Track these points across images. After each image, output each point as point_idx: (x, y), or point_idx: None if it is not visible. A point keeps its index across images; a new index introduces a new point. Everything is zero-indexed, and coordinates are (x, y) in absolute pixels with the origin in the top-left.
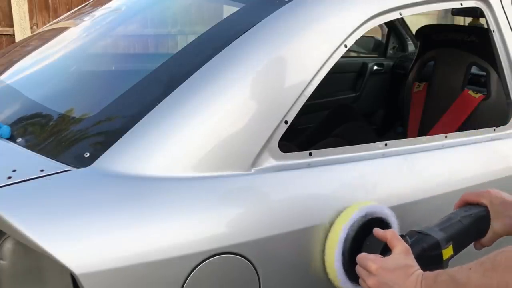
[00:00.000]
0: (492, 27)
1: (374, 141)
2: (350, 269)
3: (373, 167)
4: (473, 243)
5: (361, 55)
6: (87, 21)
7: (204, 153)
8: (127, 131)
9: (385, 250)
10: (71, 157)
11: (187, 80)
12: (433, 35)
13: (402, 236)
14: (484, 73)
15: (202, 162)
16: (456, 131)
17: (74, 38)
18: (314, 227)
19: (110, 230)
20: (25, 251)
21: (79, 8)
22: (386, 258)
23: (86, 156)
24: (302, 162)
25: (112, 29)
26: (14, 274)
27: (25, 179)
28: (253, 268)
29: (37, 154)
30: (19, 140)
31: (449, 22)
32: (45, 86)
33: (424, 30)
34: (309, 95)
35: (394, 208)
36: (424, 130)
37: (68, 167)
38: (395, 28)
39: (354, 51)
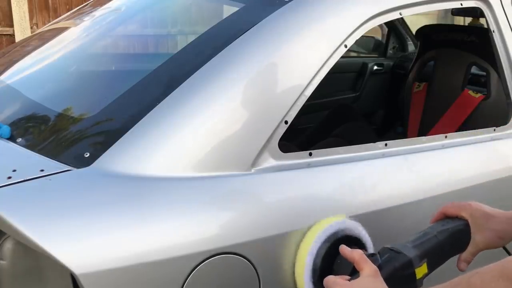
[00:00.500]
0: (492, 27)
1: (374, 141)
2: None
3: (373, 167)
4: (457, 261)
5: (361, 55)
6: (87, 21)
7: (204, 153)
8: (127, 131)
9: (353, 271)
10: (71, 157)
11: (187, 80)
12: (433, 35)
13: (372, 254)
14: (484, 73)
15: (202, 162)
16: (456, 131)
17: (74, 38)
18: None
19: (110, 230)
20: (25, 251)
21: (79, 8)
22: (355, 281)
23: (86, 156)
24: (302, 162)
25: (112, 29)
26: (14, 274)
27: (25, 179)
28: (253, 268)
29: (37, 154)
30: (19, 140)
31: (449, 22)
32: (45, 86)
33: (424, 30)
34: (309, 95)
35: (394, 208)
36: (424, 130)
37: (68, 167)
38: (395, 28)
39: (354, 51)
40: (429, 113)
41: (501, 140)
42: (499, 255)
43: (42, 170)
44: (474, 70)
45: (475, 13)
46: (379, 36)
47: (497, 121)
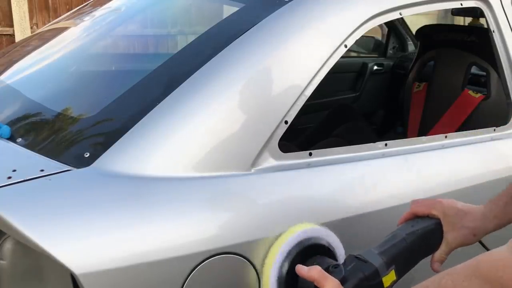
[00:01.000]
0: (492, 27)
1: (374, 141)
2: None
3: (373, 167)
4: (430, 262)
5: (361, 55)
6: (87, 21)
7: (204, 153)
8: (127, 131)
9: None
10: (71, 157)
11: (187, 80)
12: (433, 35)
13: (336, 266)
14: (484, 73)
15: (202, 162)
16: (456, 131)
17: (74, 38)
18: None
19: (110, 230)
20: (25, 251)
21: (79, 8)
22: None
23: (86, 156)
24: (302, 162)
25: (112, 29)
26: (14, 274)
27: (25, 179)
28: (253, 268)
29: (37, 154)
30: (19, 140)
31: (449, 22)
32: (45, 86)
33: (424, 30)
34: (309, 95)
35: (394, 208)
36: (424, 130)
37: (68, 167)
38: (395, 28)
39: (354, 51)
40: (429, 113)
41: (501, 140)
42: (477, 251)
43: (42, 170)
44: (474, 70)
45: (475, 13)
46: (379, 36)
47: (497, 121)
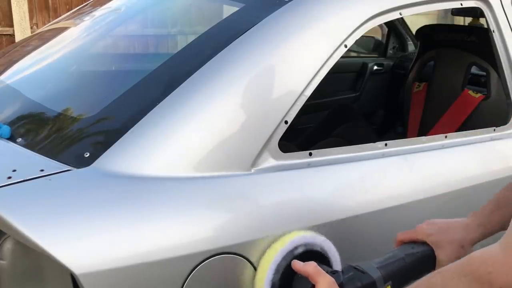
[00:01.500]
0: (492, 27)
1: (374, 141)
2: None
3: (373, 167)
4: None
5: (361, 55)
6: (87, 21)
7: (204, 153)
8: (127, 131)
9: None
10: (71, 157)
11: (187, 80)
12: (433, 35)
13: (335, 272)
14: (484, 73)
15: (202, 162)
16: (456, 131)
17: (74, 38)
18: (313, 227)
19: (110, 230)
20: (25, 251)
21: (79, 8)
22: None
23: (86, 156)
24: (302, 162)
25: (112, 29)
26: (14, 274)
27: (25, 179)
28: (253, 268)
29: (37, 154)
30: (19, 140)
31: (449, 22)
32: (45, 86)
33: (424, 30)
34: (309, 95)
35: (394, 208)
36: (424, 130)
37: (68, 167)
38: (395, 28)
39: (354, 51)
40: (429, 113)
41: (501, 140)
42: None
43: (42, 170)
44: (474, 70)
45: (475, 13)
46: (379, 36)
47: (497, 121)
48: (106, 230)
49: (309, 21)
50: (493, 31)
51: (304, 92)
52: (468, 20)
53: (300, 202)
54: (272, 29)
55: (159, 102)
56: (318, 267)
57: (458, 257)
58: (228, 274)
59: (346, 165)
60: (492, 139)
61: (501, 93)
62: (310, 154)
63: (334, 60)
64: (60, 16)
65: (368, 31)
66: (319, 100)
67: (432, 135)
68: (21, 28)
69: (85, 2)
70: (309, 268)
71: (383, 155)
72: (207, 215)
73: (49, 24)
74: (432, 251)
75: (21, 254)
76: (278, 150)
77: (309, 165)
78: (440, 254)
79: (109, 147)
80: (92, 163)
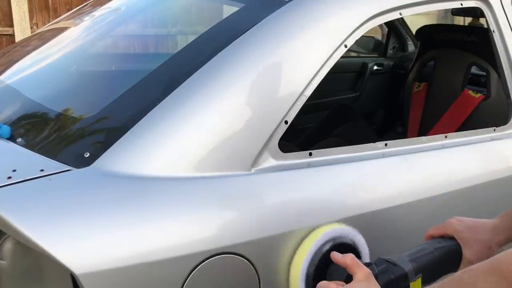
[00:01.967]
0: (492, 27)
1: (374, 141)
2: None
3: (373, 167)
4: None
5: (361, 55)
6: (87, 21)
7: (204, 153)
8: (127, 131)
9: (349, 277)
10: (71, 157)
11: (187, 80)
12: (433, 35)
13: (369, 264)
14: (484, 73)
15: (202, 162)
16: (456, 131)
17: (74, 38)
18: (313, 227)
19: (110, 230)
20: (25, 251)
21: (79, 8)
22: (348, 286)
23: (86, 156)
24: (302, 162)
25: (112, 29)
26: (14, 274)
27: (25, 179)
28: (253, 268)
29: (37, 154)
30: (19, 140)
31: (449, 22)
32: (45, 86)
33: (424, 30)
34: (309, 95)
35: (394, 208)
36: (424, 130)
37: (68, 167)
38: (395, 28)
39: (354, 51)
40: (429, 113)
41: (501, 140)
42: None
43: (42, 170)
44: (474, 70)
45: (475, 13)
46: (379, 36)
47: (497, 121)
48: (106, 230)
49: (309, 21)
50: (493, 31)
51: (304, 92)
52: (468, 20)
53: (300, 202)
54: (272, 29)
55: (159, 102)
56: (356, 258)
57: (485, 257)
58: (228, 274)
59: (346, 165)
60: (492, 139)
61: (501, 93)
62: (310, 154)
63: (334, 60)
64: (60, 16)
65: (368, 31)
66: (319, 100)
67: (432, 135)
68: (21, 28)
69: (85, 2)
70: (348, 259)
71: (383, 155)
72: (207, 215)
73: (49, 24)
74: (460, 247)
75: (21, 254)
76: (278, 150)
77: (309, 165)
78: (467, 252)
79: (109, 147)
80: (92, 163)
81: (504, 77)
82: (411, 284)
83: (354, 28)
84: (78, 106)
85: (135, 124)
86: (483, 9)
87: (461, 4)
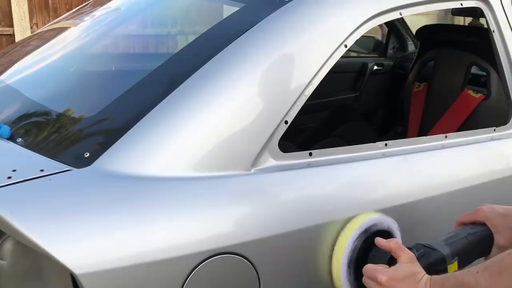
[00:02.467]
0: (492, 27)
1: (374, 141)
2: (355, 280)
3: (373, 167)
4: None
5: (361, 55)
6: (87, 21)
7: (204, 153)
8: (127, 131)
9: (391, 260)
10: (71, 157)
11: (187, 80)
12: (433, 35)
13: (410, 248)
14: (484, 73)
15: (202, 162)
16: (456, 131)
17: (74, 38)
18: (313, 227)
19: (110, 230)
20: (25, 251)
21: (79, 8)
22: (394, 268)
23: (86, 156)
24: (302, 162)
25: (112, 29)
26: (14, 274)
27: (25, 179)
28: (253, 268)
29: (37, 154)
30: (19, 140)
31: (449, 22)
32: (45, 86)
33: (424, 30)
34: (309, 95)
35: (394, 208)
36: (424, 130)
37: (68, 167)
38: (395, 28)
39: (354, 51)
40: (429, 113)
41: (501, 140)
42: None
43: (42, 170)
44: (474, 70)
45: (475, 13)
46: (379, 36)
47: (497, 121)
48: (106, 230)
49: (309, 21)
50: (493, 31)
51: (304, 92)
52: (468, 20)
53: (300, 202)
54: (272, 29)
55: (159, 102)
56: (400, 243)
57: None
58: (228, 274)
59: (346, 165)
60: (492, 139)
61: (501, 93)
62: (310, 154)
63: (334, 60)
64: (60, 16)
65: (368, 31)
66: (319, 100)
67: (432, 135)
68: (21, 28)
69: (85, 2)
70: (392, 243)
71: (383, 155)
72: (207, 215)
73: (49, 24)
74: (491, 232)
75: (21, 254)
76: (278, 150)
77: (309, 165)
78: (498, 238)
79: (109, 147)
80: (92, 163)
81: (504, 77)
82: (449, 267)
83: (354, 28)
84: (78, 106)
85: (135, 124)
86: (483, 9)
87: (461, 4)
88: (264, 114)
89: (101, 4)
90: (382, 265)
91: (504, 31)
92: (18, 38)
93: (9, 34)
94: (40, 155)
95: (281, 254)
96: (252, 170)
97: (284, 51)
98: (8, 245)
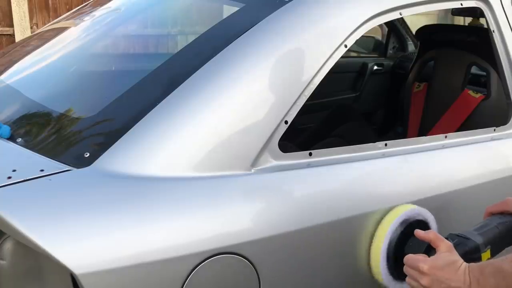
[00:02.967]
0: (492, 27)
1: (374, 141)
2: (394, 269)
3: (373, 167)
4: None
5: (361, 55)
6: (87, 21)
7: (204, 153)
8: (127, 131)
9: (428, 249)
10: (71, 157)
11: (187, 80)
12: (433, 35)
13: (446, 238)
14: (484, 73)
15: (202, 162)
16: (456, 131)
17: (74, 38)
18: (313, 227)
19: (110, 230)
20: (25, 251)
21: (79, 8)
22: (435, 257)
23: (86, 156)
24: (302, 162)
25: (112, 29)
26: (14, 274)
27: (25, 179)
28: (253, 268)
29: (37, 154)
30: (19, 140)
31: (449, 22)
32: (45, 86)
33: (424, 30)
34: (309, 95)
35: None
36: (424, 130)
37: (68, 167)
38: (395, 28)
39: (354, 51)
40: (429, 113)
41: (501, 140)
42: None
43: (42, 170)
44: (474, 70)
45: (475, 13)
46: (379, 36)
47: (497, 121)
48: (106, 230)
49: (309, 21)
50: (493, 31)
51: (304, 92)
52: (468, 20)
53: (300, 202)
54: (272, 29)
55: (159, 102)
56: (438, 234)
57: None
58: (228, 274)
59: (346, 165)
60: (492, 139)
61: (501, 93)
62: (310, 154)
63: (334, 60)
64: (60, 16)
65: (368, 31)
66: (319, 100)
67: (432, 135)
68: (21, 28)
69: (85, 2)
70: (431, 234)
71: (383, 155)
72: (207, 215)
73: (49, 24)
74: None
75: (21, 254)
76: (278, 150)
77: (309, 165)
78: None
79: (109, 147)
80: (92, 163)
81: (504, 77)
82: (482, 255)
83: (354, 28)
84: (78, 106)
85: (135, 124)
86: (483, 9)
87: (461, 4)
88: (264, 114)
89: (101, 4)
90: (422, 254)
91: (504, 31)
92: (18, 38)
93: (9, 34)
94: (40, 155)
95: (281, 254)
96: (252, 170)
97: (284, 51)
98: (8, 245)
